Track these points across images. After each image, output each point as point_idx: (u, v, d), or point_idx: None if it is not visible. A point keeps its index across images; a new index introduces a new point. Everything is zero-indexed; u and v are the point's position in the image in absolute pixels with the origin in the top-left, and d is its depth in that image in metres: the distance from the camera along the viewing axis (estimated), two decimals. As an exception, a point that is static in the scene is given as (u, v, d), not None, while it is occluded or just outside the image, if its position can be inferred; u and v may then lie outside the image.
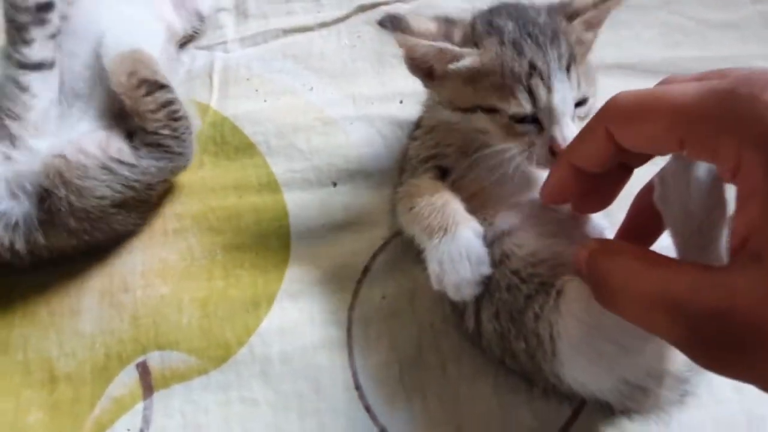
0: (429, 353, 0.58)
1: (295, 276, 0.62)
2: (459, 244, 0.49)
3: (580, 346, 0.45)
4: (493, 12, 0.53)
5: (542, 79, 0.47)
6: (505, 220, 0.53)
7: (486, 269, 0.49)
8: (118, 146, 0.60)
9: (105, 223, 0.60)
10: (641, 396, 0.49)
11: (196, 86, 0.72)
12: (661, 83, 0.37)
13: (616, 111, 0.36)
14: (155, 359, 0.59)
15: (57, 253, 0.60)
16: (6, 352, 0.59)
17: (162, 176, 0.62)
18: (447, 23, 0.53)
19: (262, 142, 0.69)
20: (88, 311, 0.61)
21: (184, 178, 0.67)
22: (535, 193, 0.52)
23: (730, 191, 0.41)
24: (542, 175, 0.52)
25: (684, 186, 0.40)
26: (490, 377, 0.57)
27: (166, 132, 0.60)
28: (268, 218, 0.65)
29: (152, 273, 0.62)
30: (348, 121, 0.70)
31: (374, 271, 0.62)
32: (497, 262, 0.51)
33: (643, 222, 0.45)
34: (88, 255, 0.62)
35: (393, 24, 0.50)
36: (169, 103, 0.61)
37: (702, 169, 0.40)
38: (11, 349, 0.59)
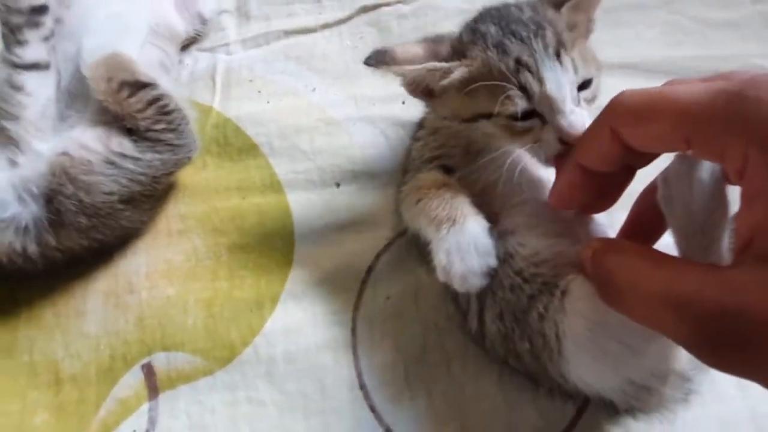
0: (433, 352, 0.59)
1: (298, 277, 0.62)
2: (467, 235, 0.49)
3: (585, 345, 0.45)
4: (476, 20, 0.53)
5: (531, 72, 0.47)
6: (509, 219, 0.53)
7: (493, 261, 0.49)
8: (119, 140, 0.60)
9: (114, 220, 0.60)
10: (646, 395, 0.49)
11: (199, 88, 0.72)
12: (665, 85, 0.37)
13: (622, 110, 0.36)
14: (160, 360, 0.59)
15: (69, 255, 0.60)
16: (11, 354, 0.59)
17: (167, 169, 0.62)
18: (434, 43, 0.53)
19: (265, 143, 0.69)
20: (93, 312, 0.61)
21: (188, 179, 0.67)
22: (539, 194, 0.53)
23: (732, 192, 0.41)
24: (546, 174, 0.53)
25: (687, 186, 0.40)
26: (495, 376, 0.57)
27: (161, 127, 0.61)
28: (272, 219, 0.65)
29: (157, 274, 0.62)
30: (351, 122, 0.70)
31: (378, 271, 0.62)
32: (501, 262, 0.52)
33: (646, 222, 0.45)
34: (97, 256, 0.62)
35: (378, 59, 0.51)
36: (156, 99, 0.61)
37: (705, 169, 0.40)
38: (17, 351, 0.59)
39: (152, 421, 0.57)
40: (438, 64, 0.50)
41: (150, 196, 0.63)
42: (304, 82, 0.73)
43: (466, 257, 0.48)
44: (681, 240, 0.42)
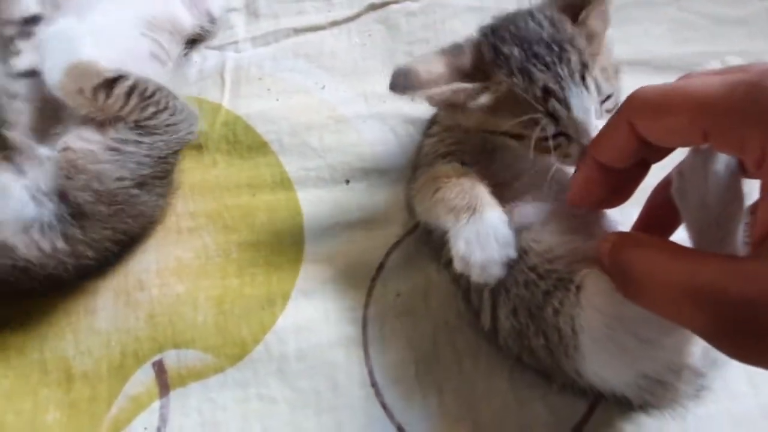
0: (444, 350, 0.58)
1: (309, 274, 0.62)
2: (487, 225, 0.49)
3: (602, 339, 0.45)
4: (496, 35, 0.51)
5: (558, 100, 0.47)
6: (523, 215, 0.53)
7: (512, 251, 0.49)
8: (116, 128, 0.60)
9: (131, 206, 0.60)
10: (660, 390, 0.49)
11: (208, 86, 0.72)
12: (681, 79, 0.38)
13: (640, 104, 0.36)
14: (171, 358, 0.59)
15: (99, 251, 0.59)
16: (23, 351, 0.59)
17: (172, 148, 0.62)
18: (454, 55, 0.52)
19: (275, 141, 0.69)
20: (104, 310, 0.61)
21: (198, 177, 0.67)
22: (553, 190, 0.53)
23: (746, 185, 0.41)
24: (561, 172, 0.53)
25: (702, 179, 0.40)
26: (506, 373, 0.57)
27: (150, 111, 0.60)
28: (282, 216, 0.65)
29: (167, 271, 0.62)
30: (361, 119, 0.70)
31: (388, 268, 0.62)
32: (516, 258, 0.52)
33: (660, 216, 0.45)
34: (124, 248, 0.62)
35: (402, 84, 0.50)
36: (133, 88, 0.60)
37: (720, 162, 0.40)
38: (28, 349, 0.59)
39: (163, 419, 0.57)
40: (463, 86, 0.50)
41: (162, 179, 0.62)
42: (314, 79, 0.73)
43: (487, 246, 0.48)
44: (695, 233, 0.42)
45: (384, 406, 0.57)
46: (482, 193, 0.51)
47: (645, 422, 0.55)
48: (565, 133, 0.48)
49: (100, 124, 0.61)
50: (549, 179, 0.51)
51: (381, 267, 0.62)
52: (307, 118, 0.70)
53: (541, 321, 0.50)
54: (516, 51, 0.49)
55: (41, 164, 0.60)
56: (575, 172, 0.46)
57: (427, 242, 0.61)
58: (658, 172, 0.44)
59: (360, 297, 0.61)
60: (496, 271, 0.49)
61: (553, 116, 0.48)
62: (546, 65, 0.48)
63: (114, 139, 0.59)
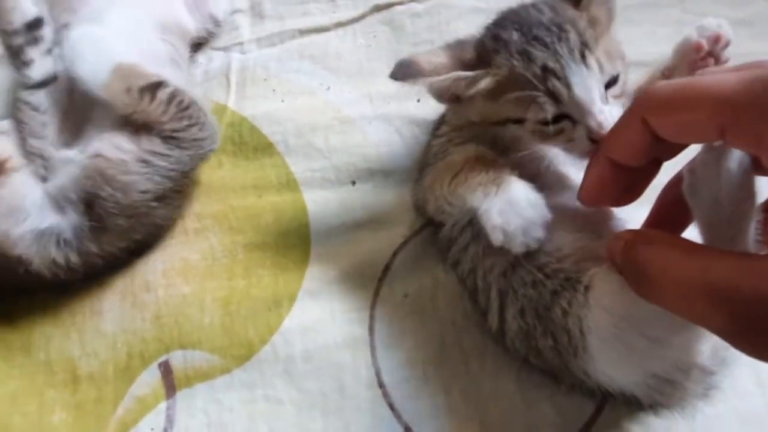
0: (452, 350, 0.58)
1: (315, 275, 0.62)
2: (516, 191, 0.48)
3: (610, 340, 0.45)
4: (497, 25, 0.52)
5: (558, 78, 0.47)
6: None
7: (548, 214, 0.48)
8: (149, 138, 0.60)
9: (148, 218, 0.61)
10: (670, 389, 0.49)
11: (213, 87, 0.73)
12: (691, 77, 0.37)
13: (655, 101, 0.36)
14: (178, 358, 0.59)
15: (108, 259, 0.60)
16: (28, 352, 0.59)
17: (194, 163, 0.63)
18: (457, 49, 0.53)
19: (281, 142, 0.69)
20: (110, 311, 0.61)
21: (204, 178, 0.67)
22: (562, 190, 0.53)
23: (759, 183, 0.41)
24: (570, 170, 0.53)
25: (714, 177, 0.40)
26: (513, 373, 0.57)
27: (184, 124, 0.61)
28: (288, 217, 0.65)
29: (174, 272, 0.62)
30: (366, 120, 0.70)
31: (395, 269, 0.62)
32: (523, 258, 0.51)
33: (670, 213, 0.45)
34: (133, 255, 0.62)
35: (403, 72, 0.50)
36: (173, 96, 0.61)
37: (733, 160, 0.40)
38: (33, 350, 0.59)
39: (170, 420, 0.57)
40: (464, 74, 0.50)
41: (179, 192, 0.63)
42: (319, 80, 0.73)
43: (523, 211, 0.47)
44: (706, 231, 0.42)
45: (391, 407, 0.56)
46: (503, 168, 0.51)
47: (653, 422, 0.54)
48: (569, 116, 0.48)
49: (134, 130, 0.61)
50: (556, 178, 0.51)
51: (387, 268, 0.62)
52: (312, 119, 0.70)
53: (548, 322, 0.50)
54: (515, 35, 0.49)
55: (66, 168, 0.60)
56: (586, 170, 0.46)
57: (434, 243, 0.61)
58: (667, 171, 0.44)
59: (367, 298, 0.61)
60: (539, 234, 0.48)
61: (554, 96, 0.47)
62: (545, 45, 0.48)
63: (146, 151, 0.60)
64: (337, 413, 0.56)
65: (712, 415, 0.54)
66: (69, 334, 0.60)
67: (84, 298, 0.61)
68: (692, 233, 0.44)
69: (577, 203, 0.48)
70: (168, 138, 0.60)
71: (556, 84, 0.47)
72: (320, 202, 0.66)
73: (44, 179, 0.61)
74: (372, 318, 0.60)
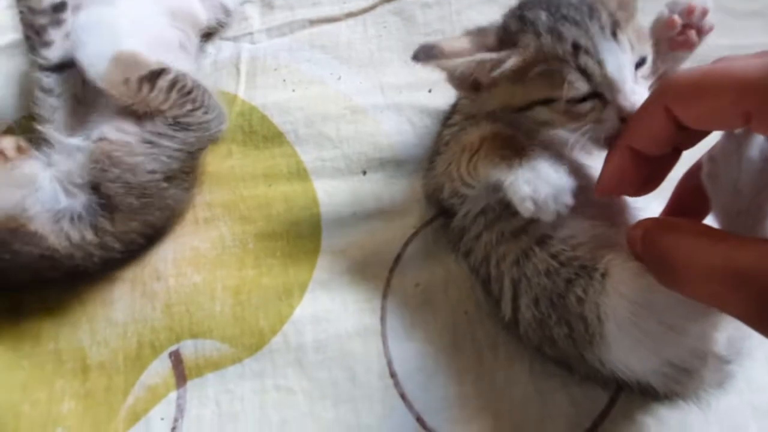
0: (464, 340, 0.58)
1: (326, 265, 0.62)
2: (540, 161, 0.47)
3: (627, 327, 0.44)
4: (522, 6, 0.51)
5: (590, 54, 0.46)
6: None
7: (573, 182, 0.46)
8: (152, 121, 0.60)
9: (160, 199, 0.60)
10: (685, 378, 0.49)
11: (223, 76, 0.72)
12: (715, 63, 0.37)
13: (678, 88, 0.36)
14: (188, 348, 0.58)
15: (125, 242, 0.60)
16: (38, 341, 0.59)
17: (202, 144, 0.62)
18: (478, 34, 0.52)
19: (291, 131, 0.69)
20: (120, 300, 0.60)
21: (214, 168, 0.67)
22: (578, 178, 0.52)
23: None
24: (586, 159, 0.52)
25: (735, 164, 0.40)
26: (526, 363, 0.56)
27: (187, 108, 0.61)
28: (299, 207, 0.65)
29: (184, 262, 0.62)
30: (378, 110, 0.69)
31: (406, 259, 0.62)
32: (537, 245, 0.51)
33: (688, 203, 0.44)
34: (150, 240, 0.62)
35: (426, 54, 0.49)
36: (174, 83, 0.61)
37: (754, 148, 0.40)
38: (43, 339, 0.59)
39: (180, 409, 0.56)
40: (488, 55, 0.48)
41: (188, 173, 0.63)
42: (330, 70, 0.72)
43: (550, 179, 0.46)
44: (725, 219, 0.42)
45: (403, 397, 0.56)
46: (521, 141, 0.50)
47: (666, 415, 0.54)
48: (599, 94, 0.47)
49: (137, 116, 0.61)
50: (573, 166, 0.50)
51: (399, 258, 0.62)
52: (323, 109, 0.70)
53: (563, 310, 0.49)
54: (543, 15, 0.48)
55: (72, 155, 0.60)
56: (606, 160, 0.46)
57: (446, 233, 0.61)
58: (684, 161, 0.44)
59: (378, 288, 0.61)
60: (569, 200, 0.46)
61: (585, 73, 0.46)
62: (576, 23, 0.47)
63: (150, 132, 0.59)
64: (349, 403, 0.56)
65: (726, 408, 0.53)
66: (79, 323, 0.60)
67: (94, 287, 0.61)
68: (708, 222, 0.44)
69: (592, 192, 0.48)
70: (171, 123, 0.60)
71: (588, 61, 0.46)
72: (331, 191, 0.66)
73: (50, 165, 0.61)
74: (383, 308, 0.60)
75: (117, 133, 0.59)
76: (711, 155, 0.41)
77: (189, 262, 0.62)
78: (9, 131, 0.66)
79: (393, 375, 0.57)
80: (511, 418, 0.55)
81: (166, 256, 0.62)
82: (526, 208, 0.46)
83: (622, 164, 0.42)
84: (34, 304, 0.60)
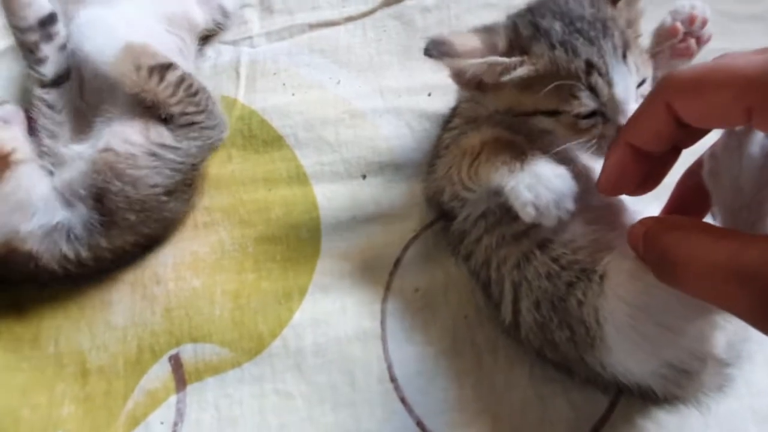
0: (464, 345, 0.58)
1: (326, 268, 0.62)
2: (542, 166, 0.47)
3: (626, 329, 0.44)
4: (534, 12, 0.51)
5: (601, 75, 0.47)
6: None
7: (575, 185, 0.47)
8: (158, 131, 0.60)
9: (158, 212, 0.61)
10: (685, 381, 0.49)
11: (223, 80, 0.72)
12: (717, 59, 0.37)
13: (679, 84, 0.36)
14: (188, 352, 0.58)
15: (118, 253, 0.60)
16: (38, 345, 0.59)
17: (203, 155, 0.62)
18: (488, 33, 0.52)
19: (290, 135, 0.69)
20: (120, 304, 0.60)
21: (213, 172, 0.67)
22: (577, 181, 0.52)
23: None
24: (585, 162, 0.52)
25: (736, 161, 0.40)
26: (526, 367, 0.56)
27: (192, 109, 0.61)
28: (298, 211, 0.65)
29: (183, 266, 0.62)
30: (377, 114, 0.70)
31: (406, 263, 0.62)
32: (537, 249, 0.51)
33: (689, 201, 0.44)
34: (143, 250, 0.62)
35: (438, 50, 0.49)
36: (182, 79, 0.61)
37: (755, 145, 0.39)
38: (43, 343, 0.59)
39: (180, 414, 0.56)
40: (500, 60, 0.48)
41: (189, 185, 0.63)
42: (329, 74, 0.73)
43: (551, 184, 0.46)
44: (726, 216, 0.42)
45: (403, 401, 0.56)
46: (521, 145, 0.50)
47: (666, 419, 0.54)
48: (602, 113, 0.48)
49: (143, 122, 0.61)
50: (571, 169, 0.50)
51: (398, 261, 0.62)
52: (322, 113, 0.70)
53: (564, 313, 0.49)
54: (558, 25, 0.48)
55: (75, 163, 0.60)
56: (606, 158, 0.46)
57: (445, 236, 0.61)
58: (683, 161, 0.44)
59: (378, 292, 0.61)
60: (570, 205, 0.46)
61: (594, 91, 0.47)
62: (590, 40, 0.47)
63: (156, 144, 0.60)
64: (349, 407, 0.56)
65: (726, 412, 0.53)
66: (79, 326, 0.60)
67: (94, 290, 0.61)
68: (708, 220, 0.44)
69: (593, 196, 0.48)
70: (177, 126, 0.60)
71: (598, 81, 0.47)
72: (330, 195, 0.66)
73: (51, 173, 0.61)
74: (383, 312, 0.60)
75: (123, 144, 0.59)
76: (712, 152, 0.41)
77: (188, 267, 0.62)
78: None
79: (393, 379, 0.57)
80: (510, 422, 0.55)
81: (165, 260, 0.62)
82: (528, 214, 0.46)
83: (622, 162, 0.42)
84: (34, 306, 0.60)
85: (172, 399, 0.57)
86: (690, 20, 0.53)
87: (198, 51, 0.74)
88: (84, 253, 0.58)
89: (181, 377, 0.57)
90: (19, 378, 0.57)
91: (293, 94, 0.71)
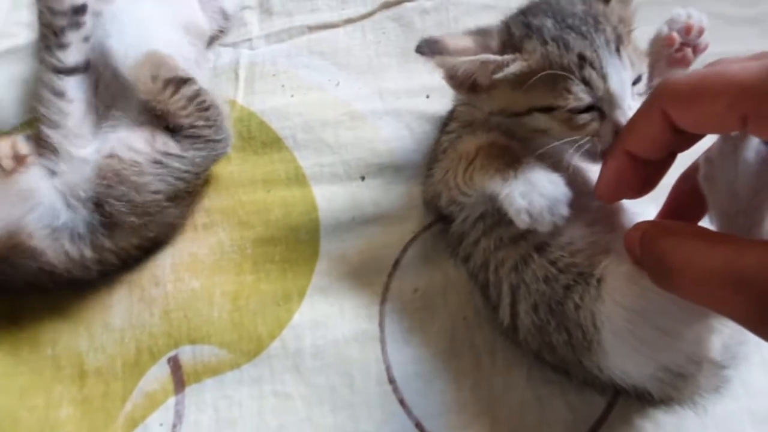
0: (462, 346, 0.58)
1: (325, 270, 0.62)
2: (536, 173, 0.47)
3: (623, 334, 0.45)
4: (526, 13, 0.52)
5: (594, 68, 0.47)
6: None
7: (569, 191, 0.46)
8: (164, 140, 0.60)
9: (161, 217, 0.61)
10: (682, 383, 0.49)
11: (222, 82, 0.72)
12: (711, 65, 0.37)
13: (674, 91, 0.36)
14: (187, 353, 0.58)
15: (122, 256, 0.60)
16: (35, 347, 0.59)
17: (207, 165, 0.63)
18: (481, 35, 0.52)
19: (289, 137, 0.69)
20: (118, 305, 0.60)
21: (212, 173, 0.66)
22: (574, 184, 0.52)
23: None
24: (582, 165, 0.52)
25: (731, 166, 0.40)
26: (524, 370, 0.57)
27: (200, 123, 0.61)
28: (298, 212, 0.65)
29: (182, 267, 0.62)
30: (376, 116, 0.70)
31: (405, 264, 0.62)
32: (535, 252, 0.51)
33: (684, 205, 0.45)
34: (147, 253, 0.62)
35: (430, 48, 0.49)
36: (196, 95, 0.61)
37: (750, 150, 0.40)
38: (41, 345, 0.59)
39: (179, 415, 0.56)
40: (492, 57, 0.49)
41: (191, 192, 0.63)
42: (328, 76, 0.73)
43: (545, 190, 0.46)
44: (722, 221, 0.42)
45: (402, 402, 0.56)
46: (515, 152, 0.50)
47: (663, 420, 0.54)
48: (598, 108, 0.48)
49: (150, 130, 0.61)
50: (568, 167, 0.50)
51: (397, 263, 0.62)
52: (321, 115, 0.70)
53: (562, 317, 0.49)
54: (549, 22, 0.49)
55: (79, 167, 0.60)
56: (603, 165, 0.46)
57: (444, 238, 0.61)
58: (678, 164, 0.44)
59: (376, 293, 0.61)
60: (564, 211, 0.46)
61: (588, 85, 0.47)
62: (582, 35, 0.47)
63: (160, 152, 0.60)
64: (347, 408, 0.56)
65: (723, 413, 0.54)
66: (77, 328, 0.59)
67: (92, 292, 0.61)
68: (704, 224, 0.44)
69: (590, 198, 0.48)
70: (183, 137, 0.61)
71: (592, 74, 0.47)
72: (330, 197, 0.66)
73: (53, 174, 0.60)
74: (382, 313, 0.60)
75: (128, 151, 0.59)
76: (708, 157, 0.41)
77: (187, 268, 0.62)
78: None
79: (392, 380, 0.57)
80: (509, 424, 0.55)
81: (164, 261, 0.62)
82: (523, 221, 0.46)
83: (619, 168, 0.43)
84: (32, 309, 0.60)
85: (171, 401, 0.57)
86: (686, 29, 0.53)
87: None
88: (88, 253, 0.58)
89: (179, 379, 0.57)
90: (18, 380, 0.57)
91: (292, 96, 0.71)
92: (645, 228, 0.39)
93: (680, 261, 0.35)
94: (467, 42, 0.50)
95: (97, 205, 0.58)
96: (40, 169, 0.59)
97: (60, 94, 0.61)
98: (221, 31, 0.76)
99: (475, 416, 0.55)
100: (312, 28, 0.76)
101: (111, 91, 0.63)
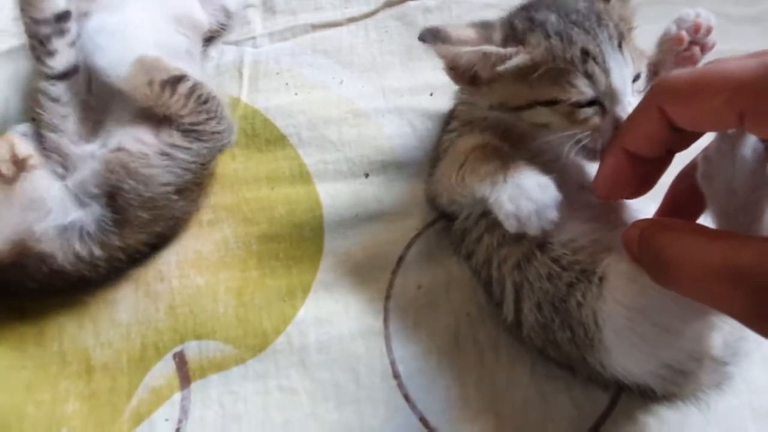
0: (466, 342, 0.58)
1: (329, 266, 0.62)
2: (524, 176, 0.47)
3: (624, 332, 0.45)
4: (529, 8, 0.52)
5: (597, 62, 0.47)
6: None
7: (558, 194, 0.47)
8: (169, 132, 0.61)
9: (169, 211, 0.61)
10: (683, 380, 0.49)
11: (226, 80, 0.73)
12: (710, 64, 0.38)
13: (672, 89, 0.36)
14: (192, 349, 0.59)
15: (130, 252, 0.60)
16: (42, 343, 0.59)
17: (213, 155, 0.63)
18: (484, 27, 0.52)
19: (293, 134, 0.69)
20: (124, 301, 0.61)
21: (217, 170, 0.67)
22: (574, 181, 0.53)
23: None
24: (582, 161, 0.53)
25: (729, 164, 0.40)
26: (528, 366, 0.57)
27: (202, 117, 0.61)
28: (302, 209, 0.65)
29: (187, 264, 0.62)
30: (379, 114, 0.70)
31: (408, 261, 0.62)
32: (538, 249, 0.52)
33: (683, 203, 0.45)
34: (153, 249, 0.62)
35: (433, 36, 0.50)
36: (192, 90, 0.61)
37: (748, 147, 0.40)
38: (47, 340, 0.59)
39: (184, 411, 0.57)
40: (495, 49, 0.49)
41: (198, 184, 0.63)
42: (332, 74, 0.73)
43: (533, 195, 0.46)
44: (721, 219, 0.42)
45: (406, 398, 0.56)
46: (509, 154, 0.50)
47: (667, 415, 0.54)
48: (599, 103, 0.48)
49: (154, 123, 0.61)
50: (568, 169, 0.50)
51: (401, 260, 0.62)
52: (325, 112, 0.70)
53: (565, 314, 0.50)
54: (553, 17, 0.49)
55: (87, 163, 0.60)
56: (601, 163, 0.46)
57: (447, 235, 0.62)
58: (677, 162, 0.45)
59: (381, 289, 0.61)
60: (553, 215, 0.46)
61: (591, 80, 0.47)
62: (585, 29, 0.48)
63: (167, 144, 0.60)
64: (352, 404, 0.56)
65: (725, 409, 0.54)
66: (83, 324, 0.60)
67: (98, 288, 0.61)
68: (703, 221, 0.44)
69: (591, 194, 0.49)
70: (187, 131, 0.61)
71: (594, 68, 0.47)
72: (333, 194, 0.66)
73: (62, 176, 0.61)
74: (386, 309, 0.60)
75: (136, 144, 0.60)
76: (706, 155, 0.42)
77: (192, 264, 0.62)
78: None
79: (396, 376, 0.57)
80: (512, 420, 0.55)
81: (169, 258, 0.62)
82: (511, 225, 0.47)
83: (617, 167, 0.43)
84: (38, 304, 0.60)
85: (177, 396, 0.57)
86: (695, 28, 0.54)
87: (202, 52, 0.74)
88: (97, 252, 0.58)
89: (185, 374, 0.58)
90: (24, 375, 0.57)
91: (296, 94, 0.72)
92: (643, 225, 0.39)
93: (678, 256, 0.35)
94: (470, 33, 0.51)
95: (110, 198, 0.58)
96: (45, 172, 0.59)
97: (56, 100, 0.62)
98: (224, 29, 0.76)
99: (479, 412, 0.56)
100: (315, 27, 0.76)
101: (107, 88, 0.63)
